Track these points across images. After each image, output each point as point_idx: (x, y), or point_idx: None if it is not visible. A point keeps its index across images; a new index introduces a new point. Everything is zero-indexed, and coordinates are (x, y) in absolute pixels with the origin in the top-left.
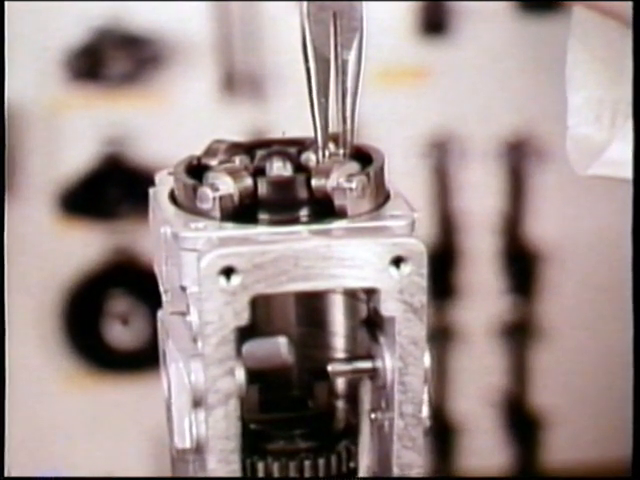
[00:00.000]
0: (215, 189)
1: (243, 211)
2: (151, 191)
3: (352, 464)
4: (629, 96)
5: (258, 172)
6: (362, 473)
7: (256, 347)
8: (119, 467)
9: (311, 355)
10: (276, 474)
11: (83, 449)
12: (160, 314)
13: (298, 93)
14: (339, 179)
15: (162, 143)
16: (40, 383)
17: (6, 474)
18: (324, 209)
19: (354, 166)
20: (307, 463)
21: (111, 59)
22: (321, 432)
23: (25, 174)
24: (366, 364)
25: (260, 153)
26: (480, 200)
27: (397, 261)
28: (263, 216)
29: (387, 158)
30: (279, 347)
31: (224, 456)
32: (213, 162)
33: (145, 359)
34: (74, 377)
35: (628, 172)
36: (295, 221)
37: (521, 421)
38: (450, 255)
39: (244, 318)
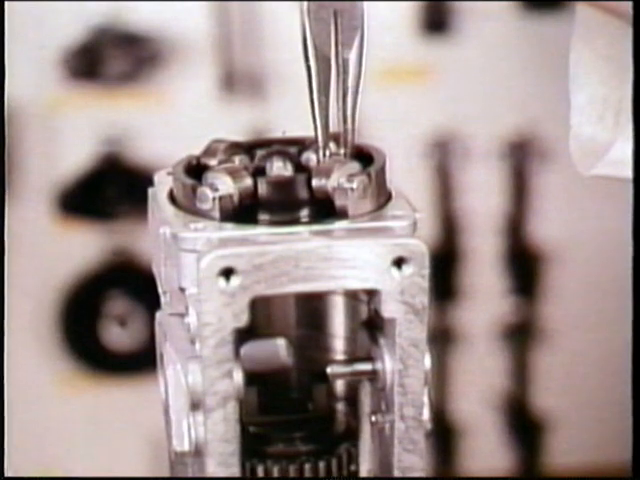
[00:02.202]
0: (215, 189)
1: (243, 211)
2: (150, 191)
3: (353, 467)
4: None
5: (258, 172)
6: (363, 476)
7: (255, 349)
8: (117, 470)
9: (310, 357)
10: (276, 477)
11: (81, 452)
12: (158, 315)
13: (298, 92)
14: (340, 179)
15: (161, 143)
16: (37, 385)
17: (6, 474)
18: (325, 209)
19: (355, 166)
20: (307, 466)
21: (109, 58)
22: (321, 435)
23: (22, 174)
24: (366, 366)
25: (260, 153)
26: (482, 200)
27: (398, 262)
28: (263, 216)
29: (388, 158)
30: (278, 349)
31: (223, 459)
32: (212, 162)
33: (143, 361)
34: (71, 379)
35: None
36: (295, 221)
37: (523, 423)
38: (452, 256)
39: (243, 320)
